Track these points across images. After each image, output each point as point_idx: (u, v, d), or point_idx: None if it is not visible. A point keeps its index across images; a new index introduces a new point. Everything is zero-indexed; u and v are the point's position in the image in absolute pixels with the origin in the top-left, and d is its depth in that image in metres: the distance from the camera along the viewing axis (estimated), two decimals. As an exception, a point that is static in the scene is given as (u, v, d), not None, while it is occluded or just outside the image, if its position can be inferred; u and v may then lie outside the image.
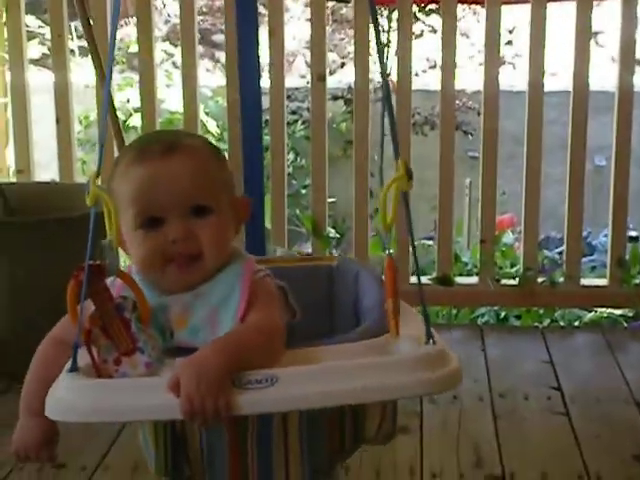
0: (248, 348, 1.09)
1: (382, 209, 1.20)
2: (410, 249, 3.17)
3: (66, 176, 3.12)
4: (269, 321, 1.14)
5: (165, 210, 1.16)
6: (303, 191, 4.80)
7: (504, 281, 3.16)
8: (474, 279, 3.19)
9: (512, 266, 3.64)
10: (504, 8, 3.04)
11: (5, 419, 2.38)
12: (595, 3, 3.02)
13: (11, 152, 3.28)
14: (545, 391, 2.59)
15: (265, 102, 3.10)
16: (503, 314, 3.38)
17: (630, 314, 3.27)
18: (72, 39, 4.50)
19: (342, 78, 5.39)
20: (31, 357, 2.65)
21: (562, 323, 3.26)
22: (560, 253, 4.06)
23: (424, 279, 3.18)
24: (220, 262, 1.19)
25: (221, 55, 5.87)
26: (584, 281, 3.15)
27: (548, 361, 2.81)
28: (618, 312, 3.29)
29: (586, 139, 3.05)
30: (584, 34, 2.99)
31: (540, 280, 3.11)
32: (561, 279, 3.12)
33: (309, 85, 3.17)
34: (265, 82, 3.16)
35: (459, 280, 3.19)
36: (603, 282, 3.14)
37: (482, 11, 3.26)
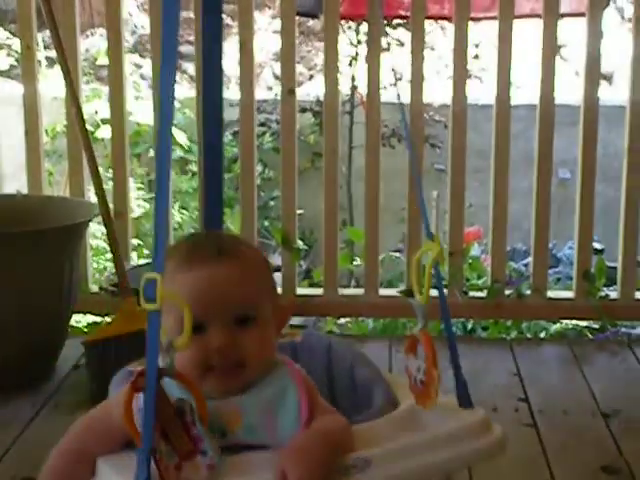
0: (337, 442, 1.13)
1: (416, 280, 1.25)
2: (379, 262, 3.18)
3: (35, 188, 3.10)
4: (340, 418, 1.20)
5: (209, 317, 1.16)
6: (272, 203, 4.81)
7: (472, 293, 3.19)
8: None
9: (479, 278, 3.67)
10: (471, 22, 3.08)
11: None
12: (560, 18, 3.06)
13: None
14: (513, 403, 2.61)
15: (234, 114, 3.13)
16: (471, 326, 3.41)
17: (596, 326, 3.31)
18: (39, 50, 4.47)
19: (310, 90, 5.40)
20: (2, 367, 2.63)
21: (529, 335, 3.29)
22: (526, 265, 4.10)
23: (393, 291, 3.21)
24: (263, 370, 1.19)
25: (188, 66, 5.88)
26: (550, 293, 3.18)
27: (516, 373, 2.83)
28: (584, 324, 3.33)
29: (552, 152, 3.08)
30: (550, 49, 3.03)
31: (507, 292, 3.14)
32: (528, 291, 3.15)
33: (277, 97, 3.18)
34: (235, 94, 3.17)
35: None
36: (569, 294, 3.18)
37: (449, 26, 3.28)
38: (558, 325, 3.34)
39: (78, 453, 1.20)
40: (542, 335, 3.29)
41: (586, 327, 3.32)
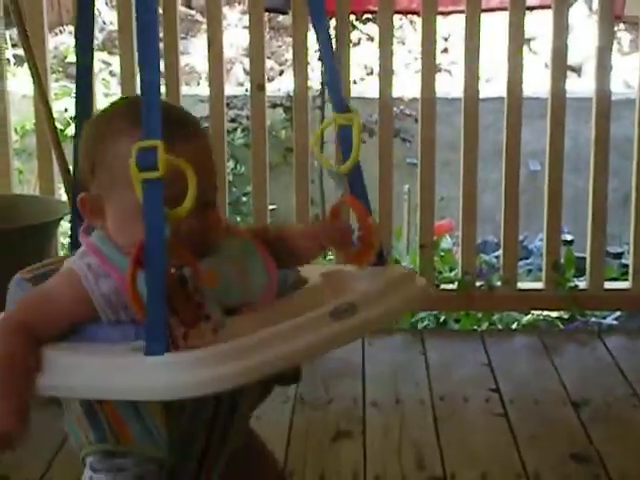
0: None
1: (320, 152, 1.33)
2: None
3: (4, 187, 3.09)
4: None
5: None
6: (244, 198, 4.81)
7: (443, 286, 3.21)
8: (413, 284, 3.22)
9: (451, 270, 3.69)
10: (439, 16, 3.09)
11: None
12: (528, 11, 3.08)
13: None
14: (484, 393, 2.63)
15: (205, 110, 3.13)
16: (443, 318, 3.42)
17: (566, 316, 3.34)
18: (7, 48, 4.45)
19: (281, 86, 5.41)
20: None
21: (500, 326, 3.32)
22: (497, 257, 4.13)
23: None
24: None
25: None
26: (521, 284, 3.21)
27: (487, 364, 2.85)
28: (554, 314, 3.36)
29: (520, 144, 3.10)
30: (517, 41, 3.05)
31: (478, 284, 3.16)
32: (498, 283, 3.17)
33: (247, 93, 3.18)
34: (205, 90, 3.17)
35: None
36: (539, 285, 3.20)
37: (418, 20, 3.30)
38: (529, 316, 3.37)
39: (30, 329, 1.18)
40: (513, 326, 3.32)
41: (557, 318, 3.35)
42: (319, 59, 3.25)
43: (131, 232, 1.15)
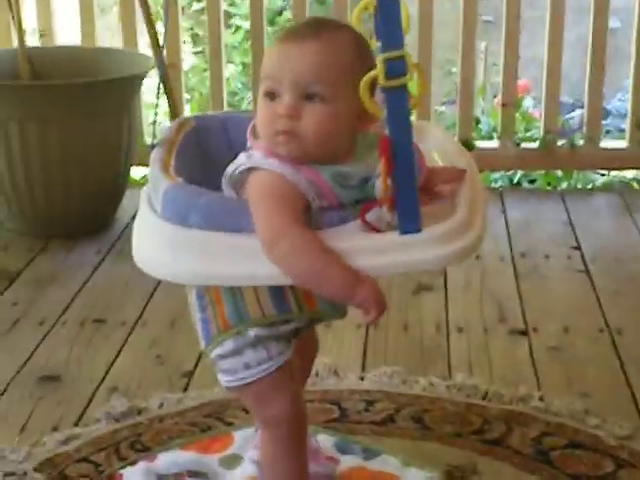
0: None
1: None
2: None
3: (88, 41, 3.11)
4: None
5: (283, 87, 1.24)
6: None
7: (524, 145, 3.19)
8: (495, 143, 3.22)
9: (527, 131, 3.65)
10: None
11: (46, 275, 2.51)
12: None
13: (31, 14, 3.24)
14: (565, 250, 2.65)
15: None
16: (517, 179, 3.41)
17: (644, 179, 3.32)
18: None
19: None
20: (67, 217, 2.74)
21: (579, 185, 3.29)
22: (573, 118, 4.07)
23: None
24: (327, 148, 1.25)
25: None
26: (603, 144, 3.18)
27: (567, 222, 2.86)
28: (630, 176, 3.32)
29: (609, 1, 3.02)
30: None
31: (560, 143, 3.13)
32: (581, 142, 3.14)
33: None
34: None
35: (479, 144, 3.21)
36: (622, 144, 3.17)
37: None
38: (606, 177, 3.34)
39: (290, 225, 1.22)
40: (589, 186, 3.29)
41: (633, 179, 3.32)
42: None
43: (342, 139, 1.27)
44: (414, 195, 1.20)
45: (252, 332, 1.32)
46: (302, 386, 1.51)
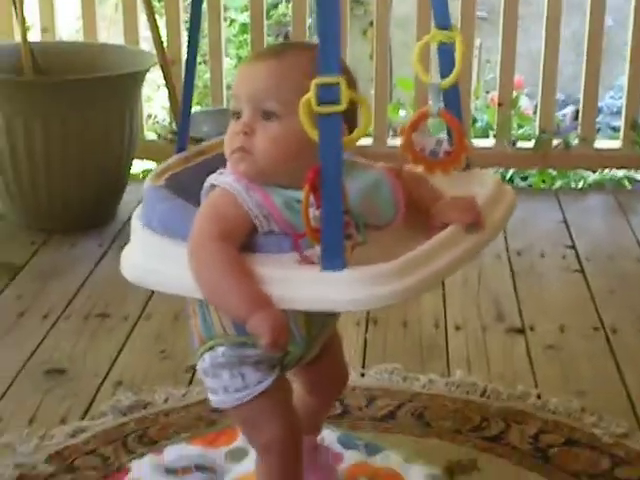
0: None
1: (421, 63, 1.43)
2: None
3: (89, 36, 3.12)
4: None
5: (242, 105, 1.25)
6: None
7: (520, 143, 3.22)
8: (490, 141, 3.25)
9: (520, 128, 3.68)
10: None
11: (49, 268, 2.54)
12: None
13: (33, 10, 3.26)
14: (560, 249, 2.69)
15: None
16: (509, 176, 3.44)
17: (637, 176, 3.35)
18: None
19: None
20: (69, 210, 2.77)
21: (573, 184, 3.33)
22: (565, 115, 4.10)
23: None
24: (279, 168, 1.23)
25: None
26: (598, 144, 3.21)
27: (562, 221, 2.90)
28: (621, 174, 3.36)
29: (606, 2, 3.05)
30: None
31: (555, 142, 3.17)
32: (575, 141, 3.18)
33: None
34: None
35: (475, 142, 3.24)
36: (616, 144, 3.21)
37: None
38: (597, 175, 3.37)
39: (230, 236, 1.21)
40: (580, 185, 3.32)
41: (624, 177, 3.36)
42: None
43: (298, 160, 1.20)
44: (339, 229, 1.13)
45: (220, 350, 1.30)
46: (320, 418, 1.53)
